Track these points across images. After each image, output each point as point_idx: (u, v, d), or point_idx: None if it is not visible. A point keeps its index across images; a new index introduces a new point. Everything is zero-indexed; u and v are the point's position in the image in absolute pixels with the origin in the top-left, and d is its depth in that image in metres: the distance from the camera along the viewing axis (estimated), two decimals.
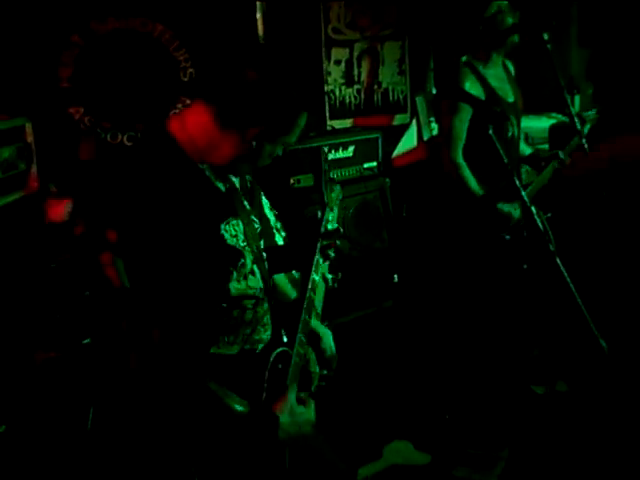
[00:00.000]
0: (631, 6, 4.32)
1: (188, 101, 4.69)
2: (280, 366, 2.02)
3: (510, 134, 3.54)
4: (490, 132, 2.28)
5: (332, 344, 2.29)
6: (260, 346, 2.05)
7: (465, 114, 3.43)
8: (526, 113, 4.22)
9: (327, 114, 5.01)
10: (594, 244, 3.89)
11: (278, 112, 1.89)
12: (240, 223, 2.00)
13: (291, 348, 2.06)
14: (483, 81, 3.49)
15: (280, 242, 2.18)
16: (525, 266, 3.35)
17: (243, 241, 2.00)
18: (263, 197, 2.26)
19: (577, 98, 3.79)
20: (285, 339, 2.10)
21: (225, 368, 1.94)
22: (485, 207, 3.36)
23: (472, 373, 3.71)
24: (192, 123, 1.92)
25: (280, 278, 2.32)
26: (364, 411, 3.67)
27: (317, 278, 2.21)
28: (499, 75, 3.60)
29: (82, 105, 4.51)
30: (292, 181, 4.17)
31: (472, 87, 3.43)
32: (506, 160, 2.27)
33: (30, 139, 3.19)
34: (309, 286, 2.17)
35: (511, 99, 3.61)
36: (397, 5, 5.03)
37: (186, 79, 4.69)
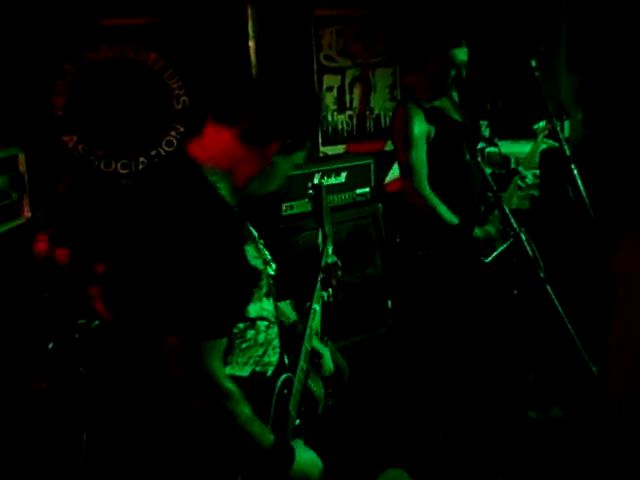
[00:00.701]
0: (620, 31, 4.37)
1: (181, 129, 4.73)
2: (286, 392, 2.07)
3: (468, 158, 3.56)
4: (479, 159, 2.30)
5: (330, 363, 2.32)
6: (270, 369, 2.07)
7: (421, 145, 3.47)
8: (517, 138, 4.26)
9: (320, 140, 5.04)
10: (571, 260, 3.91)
11: (297, 123, 1.94)
12: (253, 247, 2.03)
13: (294, 373, 2.12)
14: (431, 110, 3.51)
15: (271, 272, 2.19)
16: (515, 292, 3.36)
17: (262, 263, 2.03)
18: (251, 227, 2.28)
19: (567, 123, 3.81)
20: (287, 362, 2.14)
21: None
22: (463, 234, 3.37)
23: (466, 398, 3.70)
24: (212, 143, 1.94)
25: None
26: (358, 438, 3.65)
27: (318, 308, 2.26)
28: (444, 105, 3.64)
29: (76, 133, 4.54)
30: (284, 208, 4.19)
31: (420, 123, 3.47)
32: (495, 187, 2.29)
33: (23, 169, 3.21)
34: (310, 316, 2.22)
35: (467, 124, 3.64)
36: (388, 32, 5.07)
37: (179, 107, 4.72)
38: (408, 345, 4.34)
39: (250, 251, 1.97)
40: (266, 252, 2.14)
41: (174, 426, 1.88)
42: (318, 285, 2.31)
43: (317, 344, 2.39)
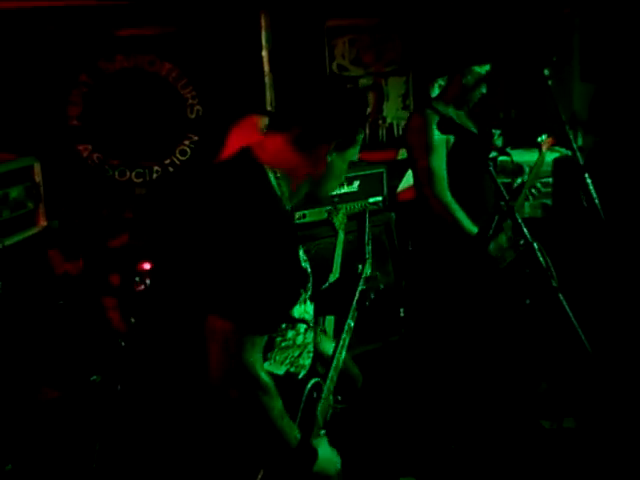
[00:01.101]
0: (633, 39, 4.37)
1: (195, 138, 4.76)
2: (315, 395, 2.13)
3: (504, 165, 3.60)
4: (490, 168, 2.30)
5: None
6: (303, 372, 2.11)
7: (442, 151, 3.48)
8: (529, 147, 4.25)
9: None
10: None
11: (343, 122, 2.01)
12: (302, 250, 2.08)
13: (324, 381, 2.18)
14: (447, 120, 3.52)
15: None
16: (528, 301, 3.35)
17: (308, 267, 2.08)
18: None
19: (580, 132, 3.81)
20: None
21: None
22: (481, 244, 3.37)
23: (478, 407, 3.70)
24: (270, 147, 2.02)
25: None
26: (369, 446, 3.65)
27: (352, 324, 2.34)
28: (458, 113, 3.66)
29: (91, 143, 4.58)
30: (298, 216, 4.20)
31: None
32: (507, 197, 2.29)
33: (38, 178, 3.25)
34: (345, 329, 2.30)
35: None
36: (401, 42, 5.09)
37: (193, 116, 4.76)
38: (421, 353, 4.34)
39: (301, 253, 2.03)
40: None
41: (205, 413, 1.91)
42: (354, 304, 2.39)
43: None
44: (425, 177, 3.54)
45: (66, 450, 2.99)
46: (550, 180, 4.29)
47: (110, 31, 4.53)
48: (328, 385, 2.20)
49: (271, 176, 1.99)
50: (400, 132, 5.17)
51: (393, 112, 5.16)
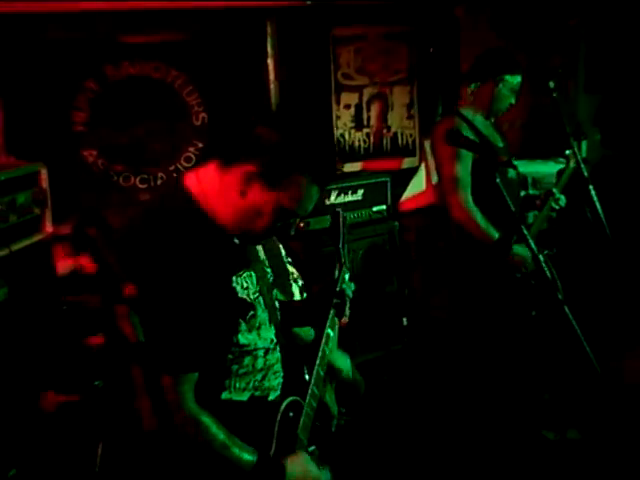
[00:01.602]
0: (637, 52, 4.39)
1: (200, 145, 4.76)
2: (292, 414, 2.07)
3: (509, 176, 3.61)
4: (497, 181, 2.31)
5: (349, 371, 2.36)
6: (272, 393, 2.07)
7: (468, 160, 3.48)
8: (533, 158, 4.26)
9: (336, 158, 5.05)
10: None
11: (274, 154, 1.88)
12: (253, 275, 2.02)
13: (304, 397, 2.11)
14: (474, 129, 3.56)
15: (297, 292, 2.21)
16: (534, 313, 3.36)
17: (254, 293, 2.02)
18: (279, 244, 2.29)
19: (584, 144, 3.82)
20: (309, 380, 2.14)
21: (236, 414, 1.96)
22: (501, 251, 3.37)
23: (482, 417, 3.70)
24: (207, 182, 1.94)
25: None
26: (371, 456, 3.64)
27: (332, 334, 2.27)
28: (485, 122, 3.68)
29: (96, 148, 4.59)
30: (302, 224, 4.21)
31: (467, 134, 3.49)
32: (513, 209, 2.30)
33: (45, 184, 3.25)
34: (323, 341, 2.22)
35: (501, 144, 3.69)
36: (406, 51, 5.10)
37: (198, 123, 4.76)
38: (423, 363, 4.34)
39: (239, 281, 1.96)
40: (292, 270, 2.16)
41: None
42: (332, 311, 2.30)
43: (336, 357, 2.40)
44: (450, 185, 3.54)
45: (69, 455, 2.99)
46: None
47: (116, 37, 4.54)
48: (309, 400, 2.12)
49: (201, 204, 1.91)
50: (404, 141, 5.18)
51: (398, 121, 5.17)
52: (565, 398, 3.78)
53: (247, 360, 1.99)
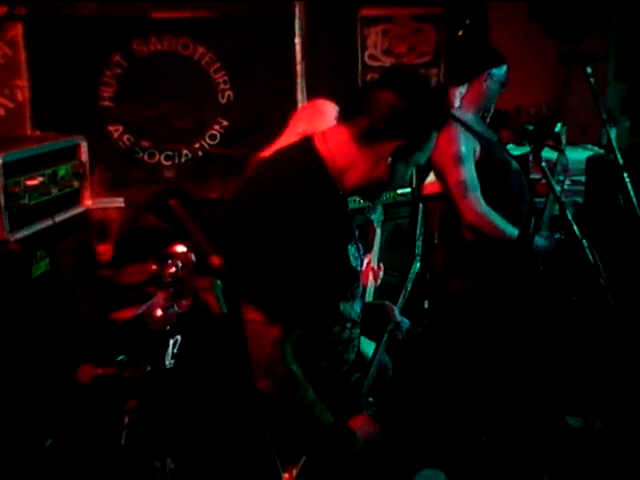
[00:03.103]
0: None
1: (225, 123, 4.75)
2: (356, 390, 2.16)
3: (514, 168, 3.57)
4: (543, 164, 2.30)
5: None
6: (345, 366, 2.11)
7: (471, 160, 3.45)
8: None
9: None
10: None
11: (417, 125, 1.91)
12: (355, 247, 2.05)
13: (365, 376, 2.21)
14: (471, 129, 3.53)
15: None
16: (574, 298, 3.35)
17: (357, 265, 2.05)
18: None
19: (613, 131, 3.80)
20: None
21: (311, 377, 1.98)
22: (525, 246, 3.34)
23: (506, 401, 3.70)
24: (333, 140, 1.96)
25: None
26: (395, 437, 3.65)
27: (383, 354, 2.38)
28: (477, 119, 3.64)
29: (122, 124, 4.59)
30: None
31: (466, 140, 3.46)
32: (559, 194, 2.29)
33: (85, 157, 3.25)
34: (375, 361, 2.30)
35: (495, 138, 3.63)
36: (434, 33, 5.08)
37: (224, 101, 4.75)
38: (444, 346, 4.34)
39: (352, 250, 2.00)
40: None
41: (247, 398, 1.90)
42: (386, 336, 2.40)
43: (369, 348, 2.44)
44: (458, 190, 3.46)
45: (99, 427, 3.01)
46: (582, 179, 4.29)
47: (145, 13, 4.53)
48: (369, 380, 2.21)
49: (329, 169, 1.94)
50: None
51: None
52: (591, 386, 3.78)
53: (337, 329, 2.03)
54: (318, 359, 2.02)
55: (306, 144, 1.99)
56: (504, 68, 3.54)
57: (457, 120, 3.49)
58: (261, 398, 1.84)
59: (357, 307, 2.09)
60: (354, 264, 2.00)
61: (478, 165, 3.47)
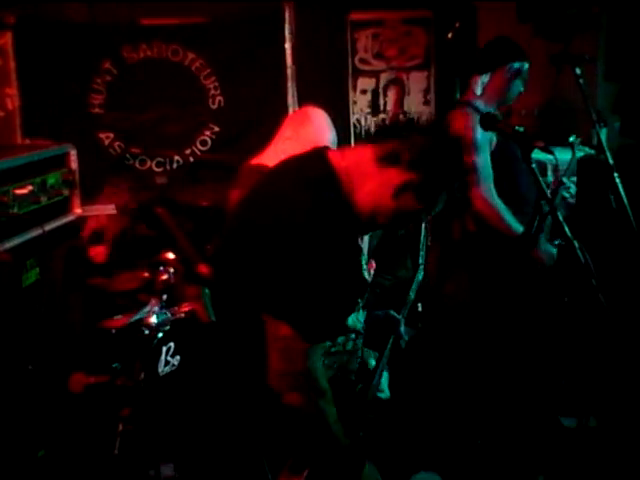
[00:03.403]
0: None
1: (216, 128, 4.75)
2: (360, 400, 2.22)
3: (524, 168, 3.57)
4: (533, 166, 2.30)
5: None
6: (350, 376, 2.15)
7: (487, 151, 3.46)
8: (552, 145, 4.22)
9: (352, 143, 5.05)
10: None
11: (433, 171, 1.94)
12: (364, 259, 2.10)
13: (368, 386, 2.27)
14: None
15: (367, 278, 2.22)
16: (566, 299, 3.34)
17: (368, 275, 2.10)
18: None
19: (603, 131, 3.80)
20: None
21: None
22: (527, 244, 3.34)
23: (497, 404, 3.70)
24: (351, 157, 1.98)
25: None
26: (390, 440, 3.65)
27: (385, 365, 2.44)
28: (495, 113, 3.65)
29: (112, 131, 4.58)
30: None
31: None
32: (549, 195, 2.29)
33: (74, 165, 3.24)
34: (378, 371, 2.36)
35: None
36: (424, 36, 5.08)
37: (215, 107, 4.74)
38: (439, 348, 4.34)
39: (362, 264, 2.04)
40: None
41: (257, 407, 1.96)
42: (389, 345, 2.45)
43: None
44: (473, 177, 3.48)
45: (92, 435, 3.00)
46: (574, 179, 4.29)
47: (135, 19, 4.52)
48: (372, 389, 2.28)
49: (342, 185, 1.93)
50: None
51: (414, 107, 5.14)
52: (583, 384, 3.79)
53: (341, 339, 2.06)
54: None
55: (318, 157, 1.99)
56: (526, 64, 3.56)
57: (476, 110, 3.50)
58: (286, 411, 1.87)
59: (362, 318, 2.12)
60: (365, 275, 2.05)
61: (493, 155, 3.48)
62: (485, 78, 3.60)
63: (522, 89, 3.60)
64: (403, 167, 1.90)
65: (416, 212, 1.98)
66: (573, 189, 3.58)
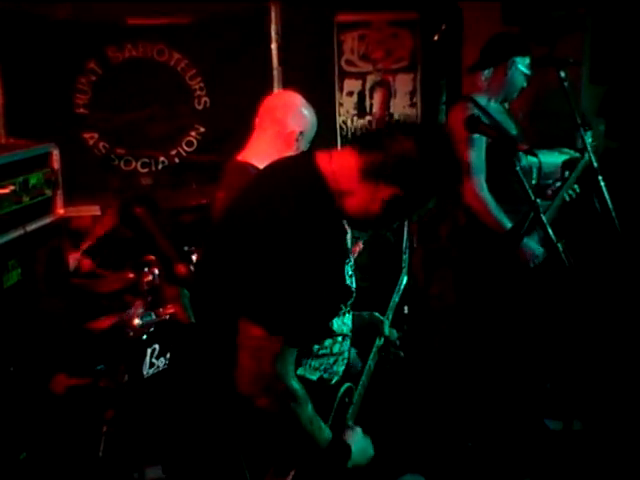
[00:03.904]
0: None
1: (202, 129, 4.73)
2: (346, 400, 2.16)
3: (522, 164, 3.59)
4: (517, 168, 2.31)
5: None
6: (335, 378, 2.12)
7: (482, 146, 3.47)
8: (537, 148, 4.25)
9: (339, 144, 5.05)
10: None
11: (419, 182, 1.93)
12: (351, 264, 2.06)
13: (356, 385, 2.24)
14: (488, 115, 3.55)
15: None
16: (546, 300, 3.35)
17: (352, 282, 2.05)
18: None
19: (588, 134, 3.82)
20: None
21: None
22: (512, 241, 3.36)
23: (483, 407, 3.71)
24: (338, 162, 1.96)
25: None
26: (375, 443, 3.64)
27: (372, 366, 2.40)
28: (499, 109, 3.68)
29: (97, 131, 4.56)
30: None
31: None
32: (533, 197, 2.30)
33: (57, 165, 3.22)
34: (365, 372, 2.34)
35: (514, 131, 3.67)
36: (410, 38, 5.09)
37: (200, 107, 4.73)
38: (424, 351, 4.35)
39: (347, 269, 2.01)
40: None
41: (234, 413, 1.91)
42: (375, 349, 2.45)
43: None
44: (464, 170, 3.51)
45: (76, 438, 2.98)
46: (558, 183, 4.30)
47: (120, 19, 4.50)
48: (360, 390, 2.25)
49: (330, 189, 1.93)
50: None
51: (400, 109, 5.15)
52: (571, 388, 3.80)
53: (328, 342, 2.04)
54: (308, 373, 2.02)
55: (307, 161, 1.98)
56: (528, 59, 3.59)
57: (477, 105, 3.51)
58: (257, 415, 1.84)
59: (348, 321, 2.11)
60: (349, 282, 2.01)
61: (489, 152, 3.49)
62: (488, 73, 3.62)
63: (525, 84, 3.63)
64: (388, 182, 1.90)
65: (405, 217, 2.03)
66: (577, 190, 3.58)
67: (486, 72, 3.61)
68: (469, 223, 3.57)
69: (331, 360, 2.08)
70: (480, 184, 3.48)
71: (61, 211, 3.22)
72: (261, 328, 1.80)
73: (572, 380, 3.73)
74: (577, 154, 3.94)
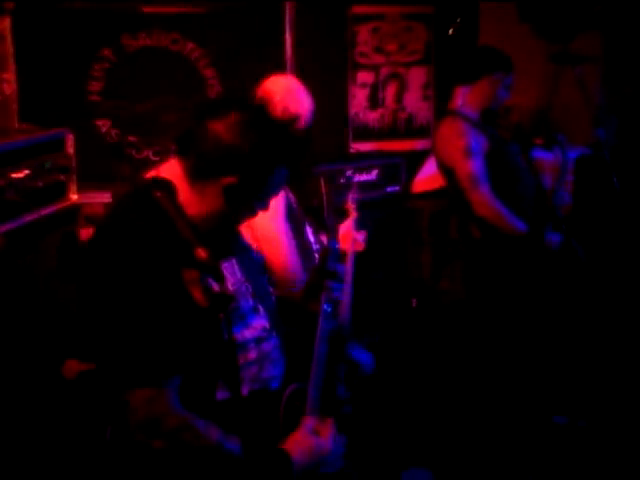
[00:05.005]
0: None
1: None
2: (298, 403, 1.93)
3: (522, 167, 3.58)
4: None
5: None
6: (273, 382, 1.95)
7: (481, 157, 3.46)
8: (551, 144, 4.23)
9: (350, 136, 5.05)
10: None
11: (250, 160, 1.77)
12: (234, 264, 1.92)
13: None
14: (480, 125, 3.53)
15: None
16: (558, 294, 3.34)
17: (234, 284, 1.90)
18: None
19: (602, 131, 3.80)
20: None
21: (237, 412, 1.80)
22: (536, 239, 3.32)
23: (491, 403, 3.71)
24: (167, 176, 1.87)
25: None
26: (381, 436, 3.65)
27: (329, 309, 2.09)
28: (485, 118, 3.64)
29: (110, 119, 4.56)
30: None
31: (476, 136, 3.46)
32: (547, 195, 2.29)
33: (71, 150, 3.22)
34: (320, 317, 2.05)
35: (502, 137, 3.65)
36: (424, 32, 5.08)
37: (213, 97, 4.72)
38: (432, 345, 4.35)
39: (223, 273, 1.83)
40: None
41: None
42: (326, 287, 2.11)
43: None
44: (469, 183, 3.47)
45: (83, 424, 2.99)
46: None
47: (135, 7, 4.50)
48: (313, 382, 1.94)
49: (165, 210, 1.74)
50: (419, 123, 5.15)
51: (413, 102, 5.14)
52: (576, 386, 3.79)
53: (240, 353, 1.83)
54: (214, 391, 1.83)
55: (143, 191, 1.82)
56: (510, 72, 3.56)
57: (464, 117, 3.49)
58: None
59: (262, 320, 1.94)
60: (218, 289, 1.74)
61: (486, 160, 3.48)
62: (470, 88, 3.59)
63: (508, 96, 3.59)
64: (216, 175, 1.76)
65: (258, 199, 1.84)
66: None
67: (464, 88, 3.57)
68: (485, 236, 3.54)
69: (253, 370, 1.89)
70: (487, 193, 3.44)
71: (75, 197, 3.22)
72: (113, 376, 1.69)
73: (579, 376, 3.73)
74: (590, 151, 3.93)
